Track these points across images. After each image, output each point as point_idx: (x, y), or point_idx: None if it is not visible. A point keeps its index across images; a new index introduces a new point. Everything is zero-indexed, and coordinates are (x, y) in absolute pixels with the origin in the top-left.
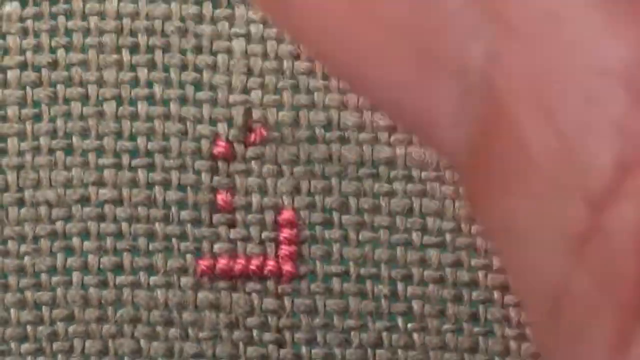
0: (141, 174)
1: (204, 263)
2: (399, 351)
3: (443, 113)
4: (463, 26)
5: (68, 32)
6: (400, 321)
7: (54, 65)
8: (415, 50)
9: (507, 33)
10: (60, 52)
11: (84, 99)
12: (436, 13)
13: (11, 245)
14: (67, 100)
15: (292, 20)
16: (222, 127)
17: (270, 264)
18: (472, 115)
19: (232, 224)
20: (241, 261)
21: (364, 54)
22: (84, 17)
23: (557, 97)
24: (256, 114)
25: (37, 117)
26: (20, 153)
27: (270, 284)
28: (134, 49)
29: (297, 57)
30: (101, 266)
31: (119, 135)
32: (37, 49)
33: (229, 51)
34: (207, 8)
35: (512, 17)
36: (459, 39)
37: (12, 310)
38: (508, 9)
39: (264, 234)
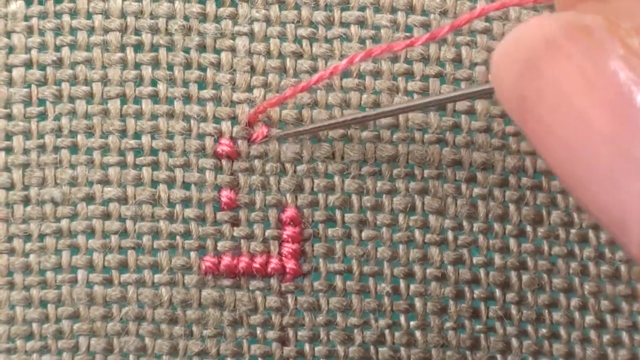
0: (145, 172)
1: (208, 261)
2: (401, 349)
3: (632, 211)
4: None
5: (73, 31)
6: (402, 319)
7: (58, 63)
8: (617, 152)
9: None
10: (65, 51)
11: (89, 97)
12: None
13: (17, 243)
14: (71, 99)
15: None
16: (225, 126)
17: (274, 262)
18: None
19: (235, 222)
20: (245, 259)
21: (583, 156)
22: (89, 15)
23: None
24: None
25: (42, 115)
26: (26, 151)
27: (273, 281)
28: (138, 47)
29: (300, 55)
30: (106, 264)
31: (123, 133)
32: (42, 47)
33: (232, 49)
34: (211, 6)
35: None
36: None
37: (17, 308)
38: None
39: (268, 232)
